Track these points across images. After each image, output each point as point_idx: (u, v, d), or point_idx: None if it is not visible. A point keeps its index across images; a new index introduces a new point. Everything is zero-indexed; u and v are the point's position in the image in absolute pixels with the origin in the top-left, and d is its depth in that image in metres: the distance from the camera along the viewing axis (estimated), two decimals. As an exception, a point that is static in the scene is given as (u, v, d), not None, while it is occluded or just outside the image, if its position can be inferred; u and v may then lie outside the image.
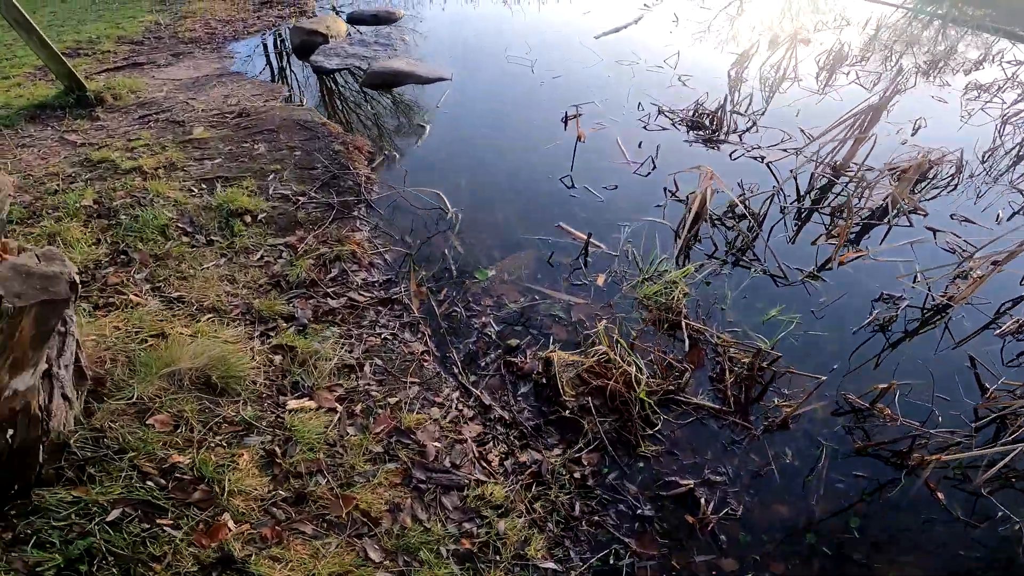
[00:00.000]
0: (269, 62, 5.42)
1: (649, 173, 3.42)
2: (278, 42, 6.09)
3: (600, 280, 2.72)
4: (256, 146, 3.45)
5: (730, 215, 3.09)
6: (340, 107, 4.25)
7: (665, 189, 3.27)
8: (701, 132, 3.83)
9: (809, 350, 2.37)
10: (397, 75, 4.55)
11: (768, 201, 3.05)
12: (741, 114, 3.97)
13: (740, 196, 3.02)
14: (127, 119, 4.01)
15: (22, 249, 1.45)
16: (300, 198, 2.98)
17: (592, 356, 2.20)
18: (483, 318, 2.47)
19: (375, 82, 4.55)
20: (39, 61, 4.55)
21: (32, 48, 3.84)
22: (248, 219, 2.78)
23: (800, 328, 2.44)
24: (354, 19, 6.54)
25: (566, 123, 3.89)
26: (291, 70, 5.17)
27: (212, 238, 2.65)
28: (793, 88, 4.59)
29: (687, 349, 2.33)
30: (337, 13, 7.00)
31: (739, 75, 4.71)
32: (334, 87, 4.68)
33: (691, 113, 3.95)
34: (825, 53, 5.11)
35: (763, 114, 4.04)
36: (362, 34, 5.97)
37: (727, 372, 2.22)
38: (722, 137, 3.75)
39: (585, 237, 2.85)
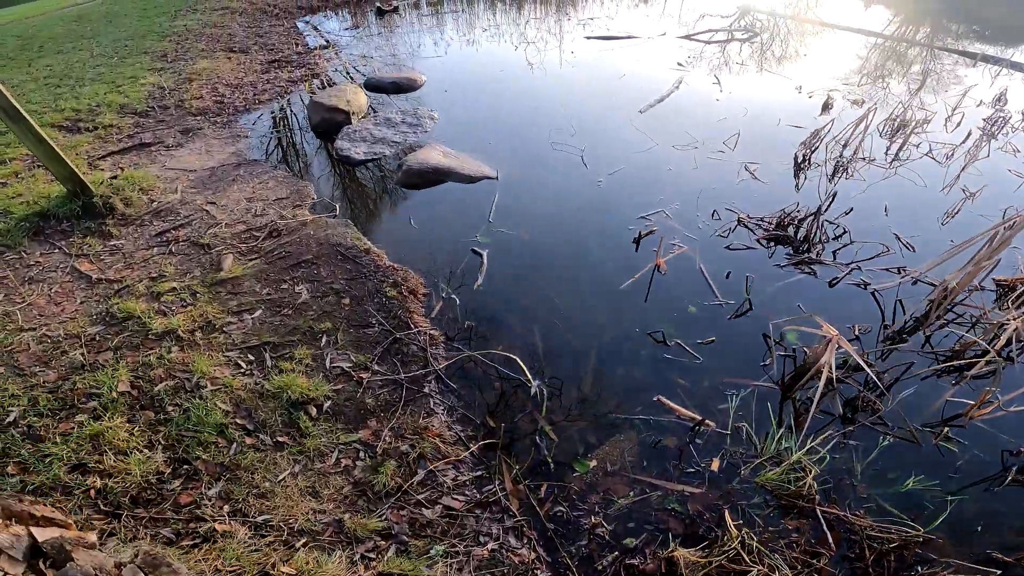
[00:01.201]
0: (288, 146, 5.00)
1: (746, 313, 3.03)
2: (293, 116, 5.68)
3: (714, 465, 2.37)
4: (297, 288, 3.04)
5: (845, 369, 2.70)
6: (376, 216, 3.83)
7: (767, 337, 2.88)
8: (789, 248, 3.45)
9: (953, 524, 2.10)
10: (437, 172, 4.14)
11: (881, 342, 2.69)
12: (830, 222, 3.59)
13: (860, 352, 2.63)
14: (143, 236, 3.58)
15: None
16: (363, 374, 2.58)
17: (720, 553, 1.97)
18: (592, 517, 2.18)
19: (412, 181, 4.14)
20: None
21: (27, 146, 3.39)
22: (313, 410, 2.38)
23: (938, 494, 2.20)
24: (372, 87, 6.14)
25: (637, 244, 3.49)
26: (314, 158, 4.76)
27: (279, 439, 2.27)
28: (865, 167, 4.25)
29: (822, 534, 2.07)
30: (351, 79, 6.60)
31: (808, 156, 4.35)
32: (365, 185, 4.26)
33: (774, 224, 3.57)
34: (889, 121, 4.77)
35: (849, 212, 3.66)
36: (385, 109, 5.58)
37: (867, 551, 2.03)
38: (814, 256, 3.37)
39: (691, 414, 2.47)
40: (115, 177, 4.36)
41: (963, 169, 4.19)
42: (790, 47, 7.47)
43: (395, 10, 10.40)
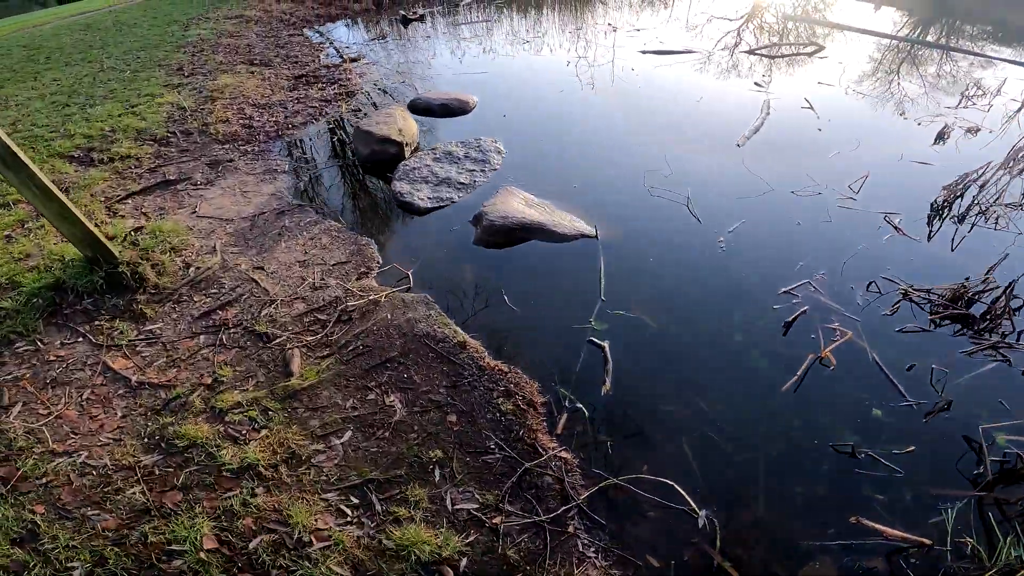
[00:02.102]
0: (335, 186, 4.36)
1: (942, 412, 2.41)
2: (335, 143, 5.02)
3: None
4: (389, 399, 2.41)
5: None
6: (460, 290, 3.16)
7: (970, 441, 2.29)
8: (971, 330, 2.82)
9: None
10: (524, 228, 3.50)
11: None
12: (1018, 297, 2.96)
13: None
14: (183, 318, 2.95)
15: None
16: (495, 518, 1.96)
17: None
18: None
19: (494, 239, 3.49)
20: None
21: (34, 203, 2.71)
22: (449, 572, 1.80)
23: None
24: (420, 109, 5.50)
25: (788, 328, 2.85)
26: (368, 203, 4.13)
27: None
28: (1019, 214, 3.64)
29: None
30: (392, 99, 5.94)
31: (950, 203, 3.73)
32: (437, 243, 3.60)
33: (948, 297, 2.94)
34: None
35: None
36: (439, 137, 4.93)
37: None
38: (1001, 338, 2.75)
39: (900, 534, 1.99)
40: (139, 229, 3.72)
41: None
42: (866, 63, 6.82)
43: (421, 19, 9.73)
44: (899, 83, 5.96)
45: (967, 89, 5.68)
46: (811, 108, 5.29)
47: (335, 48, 8.15)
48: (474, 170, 4.23)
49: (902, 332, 2.83)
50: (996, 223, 3.61)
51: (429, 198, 3.95)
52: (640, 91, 5.80)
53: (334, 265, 3.36)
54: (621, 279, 3.19)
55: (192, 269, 3.32)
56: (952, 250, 3.42)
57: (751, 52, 7.17)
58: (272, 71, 7.45)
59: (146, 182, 4.50)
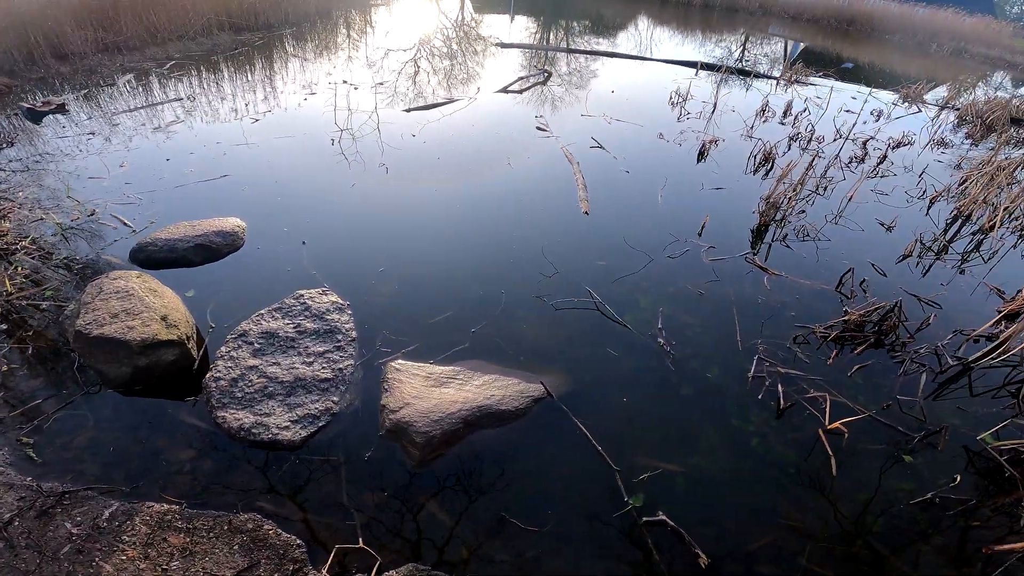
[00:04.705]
0: (117, 448, 2.40)
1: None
2: (51, 369, 2.86)
3: None
4: None
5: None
6: (450, 547, 1.99)
7: None
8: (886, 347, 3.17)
9: None
10: (467, 424, 2.49)
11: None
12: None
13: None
14: None
15: None
16: None
17: None
18: None
19: (435, 453, 2.39)
20: None
21: None
22: None
23: None
24: (155, 261, 3.61)
25: (781, 413, 2.71)
26: (199, 460, 2.38)
27: None
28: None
29: None
30: (70, 241, 3.84)
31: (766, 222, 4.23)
32: (363, 490, 2.26)
33: (853, 329, 3.23)
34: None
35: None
36: (235, 314, 3.28)
37: None
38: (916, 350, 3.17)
39: None
40: None
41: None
42: (593, 85, 7.59)
43: (61, 109, 6.74)
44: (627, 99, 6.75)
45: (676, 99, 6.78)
46: (600, 146, 5.48)
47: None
48: (326, 350, 2.87)
49: (860, 371, 2.98)
50: (816, 237, 4.25)
51: (292, 422, 2.49)
52: (438, 162, 5.09)
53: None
54: (614, 437, 2.54)
55: None
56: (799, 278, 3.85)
57: (504, 90, 7.19)
58: None
59: None
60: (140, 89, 7.65)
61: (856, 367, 3.05)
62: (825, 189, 5.20)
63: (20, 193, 4.72)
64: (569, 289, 3.49)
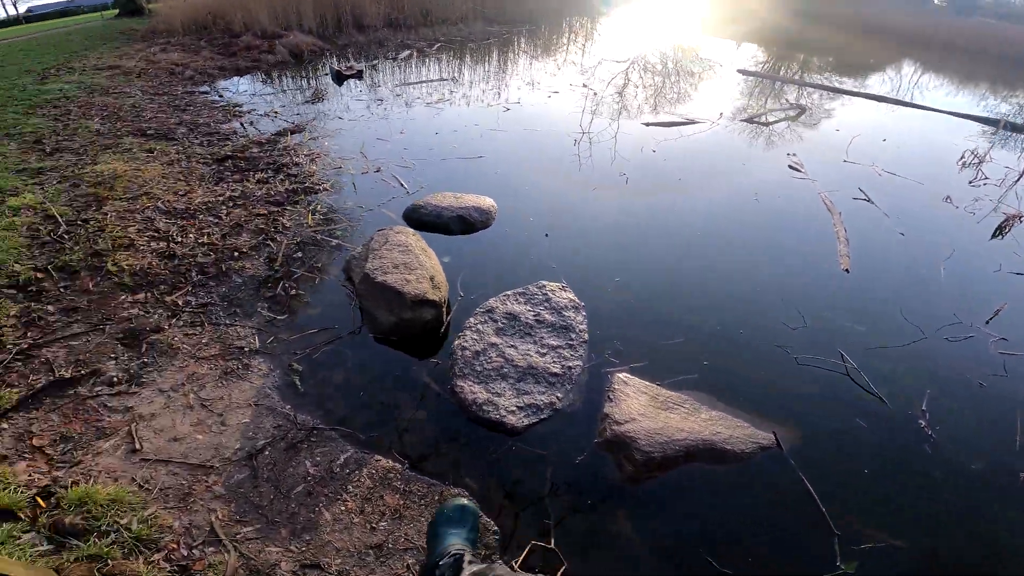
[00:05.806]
0: (356, 386, 2.81)
1: None
2: (327, 295, 3.45)
3: None
4: None
5: None
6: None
7: None
8: None
9: None
10: (689, 453, 2.34)
11: None
12: None
13: None
14: None
15: None
16: None
17: None
18: None
19: (649, 475, 2.29)
20: None
21: None
22: None
23: None
24: (424, 224, 4.12)
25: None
26: (425, 416, 2.66)
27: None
28: None
29: None
30: (356, 190, 4.49)
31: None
32: (568, 490, 2.30)
33: None
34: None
35: None
36: (483, 287, 3.57)
37: None
38: None
39: None
40: (49, 496, 1.96)
41: None
42: (856, 126, 6.64)
43: (359, 75, 8.18)
44: (913, 153, 5.73)
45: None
46: (868, 199, 4.76)
47: (255, 113, 6.39)
48: (559, 345, 2.97)
49: None
50: None
51: (518, 407, 2.62)
52: (679, 183, 4.93)
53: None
54: (842, 503, 2.17)
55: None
56: None
57: (750, 120, 6.70)
58: (178, 148, 5.57)
59: (22, 385, 2.62)
60: (413, 65, 8.84)
61: None
62: None
63: (326, 142, 5.79)
64: (817, 347, 3.09)
